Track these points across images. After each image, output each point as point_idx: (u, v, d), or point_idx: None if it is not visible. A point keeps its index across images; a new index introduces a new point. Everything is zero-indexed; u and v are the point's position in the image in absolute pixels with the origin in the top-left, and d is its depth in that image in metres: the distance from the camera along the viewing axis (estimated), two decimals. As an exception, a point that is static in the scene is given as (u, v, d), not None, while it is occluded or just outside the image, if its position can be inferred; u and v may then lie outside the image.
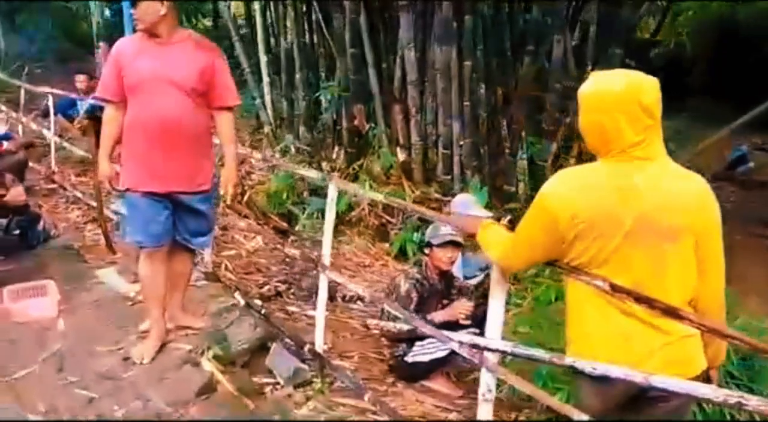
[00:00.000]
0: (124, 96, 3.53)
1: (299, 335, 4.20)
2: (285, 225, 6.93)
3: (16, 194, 4.51)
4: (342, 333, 4.81)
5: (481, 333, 2.87)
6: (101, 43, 11.54)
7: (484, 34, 6.91)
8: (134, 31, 3.67)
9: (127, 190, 3.58)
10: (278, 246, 6.32)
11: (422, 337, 4.00)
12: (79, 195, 6.84)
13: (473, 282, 4.61)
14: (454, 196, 7.13)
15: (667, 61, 15.58)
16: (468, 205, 4.89)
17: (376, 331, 4.48)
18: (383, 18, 7.71)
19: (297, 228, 6.92)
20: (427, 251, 4.28)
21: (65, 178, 7.46)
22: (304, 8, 8.36)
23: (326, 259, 3.81)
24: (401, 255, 6.68)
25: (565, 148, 7.22)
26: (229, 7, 10.49)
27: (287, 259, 6.21)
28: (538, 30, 7.02)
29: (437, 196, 7.10)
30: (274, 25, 9.10)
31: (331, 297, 5.55)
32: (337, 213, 7.01)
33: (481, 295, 4.33)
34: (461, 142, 7.01)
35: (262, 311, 4.43)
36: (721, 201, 2.25)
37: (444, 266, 4.25)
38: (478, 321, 4.21)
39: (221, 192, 3.79)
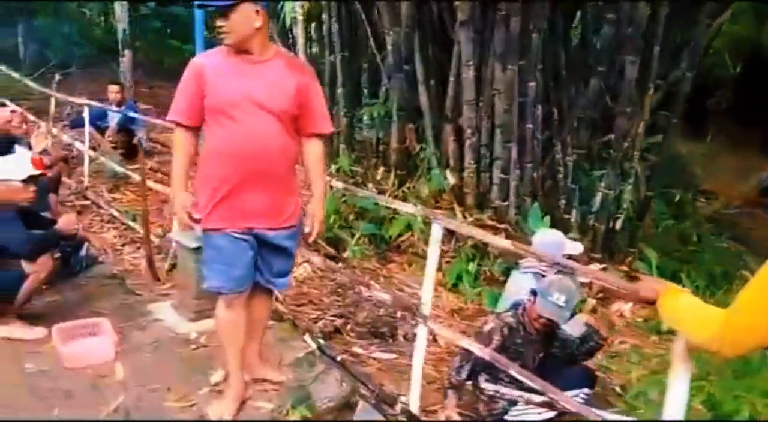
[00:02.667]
0: (200, 120, 3.03)
1: (386, 390, 3.68)
2: (333, 251, 6.42)
3: (68, 222, 4.00)
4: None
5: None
6: (126, 51, 11.09)
7: (550, 52, 6.47)
8: (208, 44, 3.17)
9: (206, 229, 3.06)
10: (329, 274, 5.83)
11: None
12: (115, 213, 6.32)
13: (577, 333, 4.11)
14: (509, 222, 6.71)
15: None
16: (560, 244, 4.38)
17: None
18: (436, 34, 7.25)
19: (346, 254, 6.41)
20: (530, 297, 3.77)
21: (98, 194, 6.94)
22: (350, 22, 7.88)
23: (426, 308, 3.31)
24: (455, 286, 6.19)
25: (624, 175, 6.78)
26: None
27: (339, 289, 5.73)
28: (604, 50, 6.55)
29: (491, 222, 6.61)
30: (315, 39, 8.62)
31: (392, 336, 5.10)
32: (387, 238, 6.64)
33: (585, 352, 3.84)
34: (519, 166, 6.53)
35: (338, 358, 3.92)
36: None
37: (538, 325, 3.76)
38: (574, 377, 3.75)
39: (306, 229, 3.28)
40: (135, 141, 8.06)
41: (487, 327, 3.75)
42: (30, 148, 5.64)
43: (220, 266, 3.03)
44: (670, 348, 4.53)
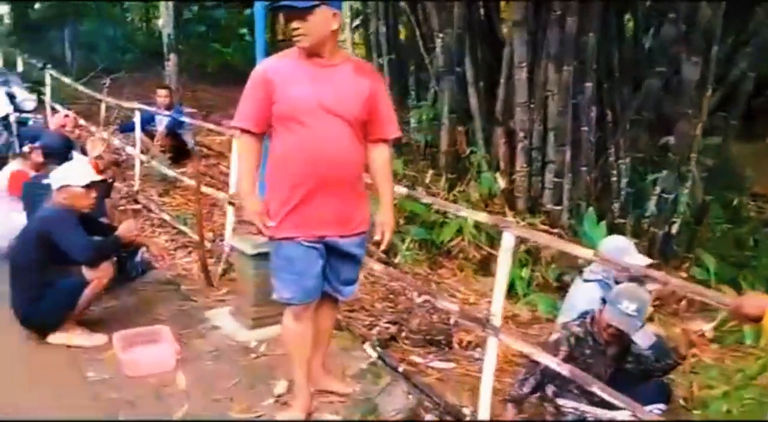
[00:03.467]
0: (266, 126, 2.94)
1: (450, 403, 3.56)
2: (384, 256, 6.31)
3: (128, 228, 3.95)
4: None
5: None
6: (171, 55, 11.13)
7: (604, 53, 6.28)
8: (270, 47, 3.07)
9: (275, 237, 2.97)
10: (380, 279, 5.72)
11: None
12: (167, 217, 6.29)
13: (646, 344, 3.93)
14: (562, 227, 6.54)
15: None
16: (624, 249, 4.21)
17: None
18: (485, 36, 7.11)
19: (397, 259, 6.30)
20: (600, 307, 3.61)
21: (149, 198, 6.93)
22: (397, 24, 7.78)
23: (497, 320, 3.18)
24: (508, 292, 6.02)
25: (681, 178, 6.55)
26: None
27: (390, 295, 5.62)
28: (661, 49, 6.35)
29: (544, 227, 6.43)
30: (361, 41, 8.54)
31: (448, 343, 4.97)
32: (438, 243, 6.51)
33: (661, 369, 3.67)
34: (573, 170, 6.36)
35: (400, 369, 3.81)
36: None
37: (607, 335, 3.59)
38: (648, 392, 3.58)
39: (376, 237, 3.17)
40: (189, 146, 8.06)
41: (553, 337, 3.61)
42: (83, 152, 5.64)
43: (292, 276, 2.94)
44: (749, 363, 4.37)
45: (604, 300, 3.59)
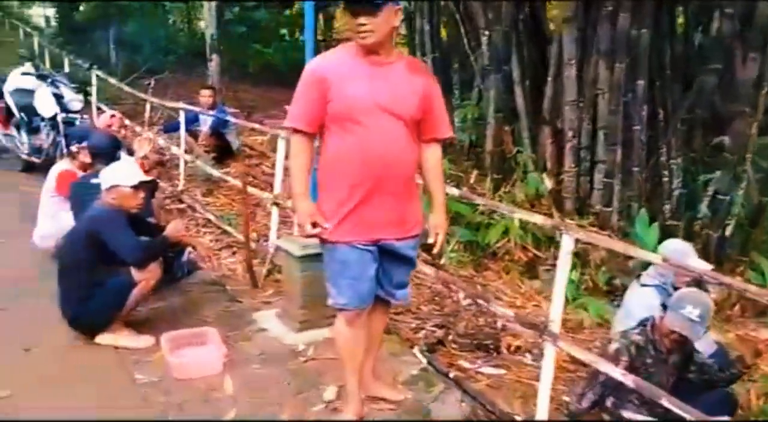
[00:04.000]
0: (320, 126, 2.85)
1: (505, 411, 3.43)
2: (429, 257, 6.19)
3: (176, 229, 3.91)
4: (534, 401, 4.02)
5: None
6: (214, 55, 11.16)
7: (655, 49, 6.07)
8: (320, 46, 2.96)
9: (329, 241, 2.87)
10: (425, 281, 5.61)
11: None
12: (211, 217, 6.26)
13: (708, 352, 3.75)
14: (612, 229, 6.34)
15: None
16: (685, 253, 4.03)
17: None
18: (531, 33, 6.95)
19: (442, 261, 6.17)
20: (660, 313, 3.44)
21: (193, 198, 6.92)
22: (441, 21, 7.64)
23: (555, 326, 3.04)
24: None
25: (736, 179, 6.31)
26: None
27: (436, 297, 5.50)
28: (716, 46, 6.11)
29: (593, 229, 6.24)
30: (404, 40, 8.42)
31: (496, 348, 4.83)
32: (483, 244, 6.37)
33: (725, 379, 3.49)
34: (623, 170, 6.16)
35: (450, 375, 3.69)
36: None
37: (669, 342, 3.41)
38: (712, 402, 3.40)
39: (429, 240, 3.06)
40: (232, 146, 8.04)
41: (612, 347, 3.44)
42: (129, 152, 5.62)
43: (347, 281, 2.84)
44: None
45: (664, 306, 3.42)
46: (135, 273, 3.69)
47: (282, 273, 4.19)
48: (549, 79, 6.51)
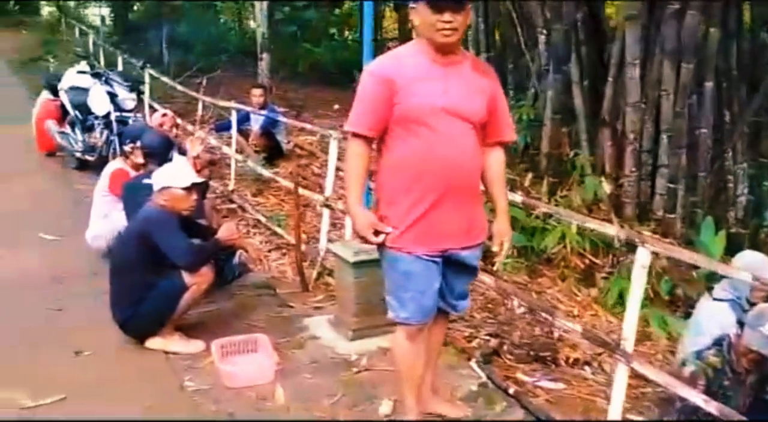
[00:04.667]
0: (382, 130, 2.68)
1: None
2: (481, 263, 5.98)
3: (229, 232, 3.80)
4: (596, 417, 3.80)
5: None
6: (264, 54, 11.13)
7: (722, 49, 5.77)
8: (379, 45, 2.80)
9: (390, 249, 2.70)
10: (477, 287, 5.40)
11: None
12: (261, 218, 6.17)
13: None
14: (675, 236, 6.05)
15: None
16: (761, 265, 3.76)
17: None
18: (589, 32, 6.68)
19: (495, 267, 5.96)
20: (737, 331, 3.20)
21: (243, 198, 6.85)
22: (495, 20, 7.43)
23: (629, 345, 2.83)
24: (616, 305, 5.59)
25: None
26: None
27: (489, 304, 5.30)
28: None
29: (655, 236, 5.96)
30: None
31: (554, 360, 4.61)
32: (538, 250, 6.14)
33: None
34: (688, 175, 5.87)
35: (510, 390, 3.50)
36: None
37: (747, 362, 3.17)
38: None
39: (494, 248, 2.89)
40: (283, 146, 7.96)
41: (688, 370, 3.20)
42: (181, 152, 5.56)
43: (411, 294, 2.69)
44: None
45: (740, 323, 3.18)
46: (187, 277, 3.59)
47: (334, 278, 4.06)
48: (610, 79, 6.24)
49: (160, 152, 4.64)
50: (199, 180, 3.84)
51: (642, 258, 2.78)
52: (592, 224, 3.40)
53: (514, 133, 2.95)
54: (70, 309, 4.27)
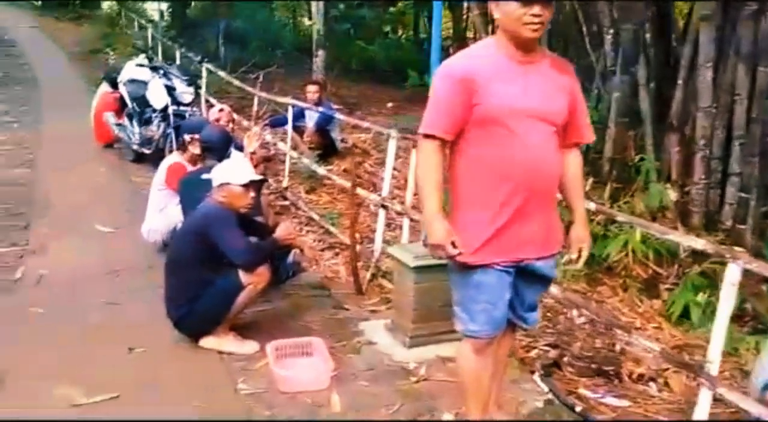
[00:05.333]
0: (458, 133, 2.50)
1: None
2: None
3: (287, 231, 3.69)
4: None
5: None
6: (320, 51, 11.04)
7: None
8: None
9: (468, 263, 2.53)
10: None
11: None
12: (315, 216, 6.06)
13: None
14: (746, 248, 5.73)
15: None
16: None
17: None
18: (656, 32, 6.39)
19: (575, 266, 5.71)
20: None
21: (296, 195, 6.75)
22: (556, 19, 7.17)
23: (714, 368, 2.61)
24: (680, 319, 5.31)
25: None
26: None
27: (548, 313, 5.09)
28: None
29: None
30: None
31: (617, 374, 4.38)
32: (599, 258, 5.89)
33: None
34: (762, 184, 5.54)
35: (577, 409, 3.30)
36: None
37: None
38: None
39: (572, 255, 2.70)
40: (337, 144, 7.84)
41: None
42: (237, 147, 5.48)
43: (482, 306, 2.52)
44: None
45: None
46: (243, 276, 3.48)
47: (392, 282, 3.90)
48: (679, 82, 5.95)
49: (219, 147, 4.55)
50: (258, 177, 3.73)
51: (732, 275, 2.56)
52: (677, 236, 3.17)
53: (593, 134, 2.76)
54: (126, 304, 4.22)
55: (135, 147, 7.47)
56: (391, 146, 5.05)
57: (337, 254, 5.50)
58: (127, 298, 4.29)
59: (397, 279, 3.82)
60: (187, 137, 4.99)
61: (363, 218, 6.30)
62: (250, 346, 3.62)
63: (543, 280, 2.70)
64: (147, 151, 7.33)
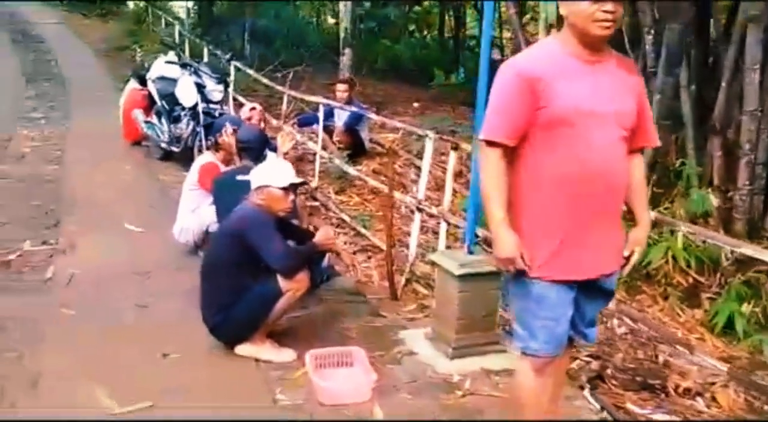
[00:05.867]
0: (521, 138, 2.34)
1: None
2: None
3: (327, 236, 3.54)
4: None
5: None
6: (347, 49, 10.90)
7: None
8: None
9: (530, 276, 2.37)
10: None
11: None
12: (346, 218, 5.92)
13: None
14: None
15: None
16: None
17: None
18: (698, 31, 6.18)
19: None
20: None
21: (326, 196, 6.61)
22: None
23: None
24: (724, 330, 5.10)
25: None
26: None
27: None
28: None
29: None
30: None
31: (663, 388, 4.19)
32: (639, 265, 5.68)
33: None
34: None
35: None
36: None
37: None
38: None
39: (624, 252, 2.53)
40: (366, 145, 7.69)
41: None
42: (271, 148, 5.34)
43: (543, 322, 2.36)
44: None
45: None
46: (282, 282, 3.33)
47: (434, 290, 3.74)
48: (723, 84, 5.74)
49: (256, 147, 4.39)
50: (299, 180, 3.59)
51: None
52: (747, 249, 2.98)
53: (657, 138, 2.60)
54: (156, 306, 4.10)
55: (163, 145, 7.35)
56: (428, 147, 4.89)
57: (369, 257, 5.35)
58: (158, 301, 4.17)
59: (438, 287, 3.66)
60: (228, 128, 4.81)
61: (394, 220, 6.15)
62: (287, 354, 3.48)
63: (605, 294, 2.54)
64: (176, 149, 7.21)
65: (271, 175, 3.45)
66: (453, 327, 3.48)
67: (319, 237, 3.52)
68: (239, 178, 4.16)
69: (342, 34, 10.99)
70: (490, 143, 2.35)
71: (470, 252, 3.51)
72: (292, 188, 3.51)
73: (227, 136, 4.77)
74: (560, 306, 2.36)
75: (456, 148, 4.62)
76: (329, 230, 3.67)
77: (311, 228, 4.45)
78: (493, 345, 3.56)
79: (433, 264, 4.07)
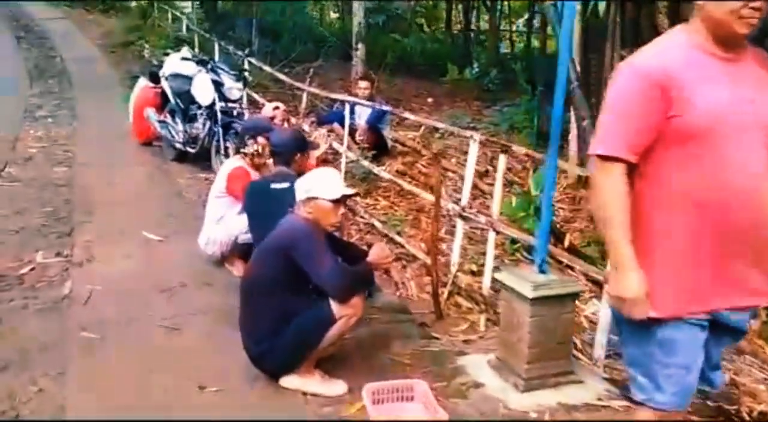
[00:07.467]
0: (643, 151, 1.94)
1: None
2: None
3: (381, 254, 3.09)
4: None
5: None
6: (360, 45, 10.45)
7: None
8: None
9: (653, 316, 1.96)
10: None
11: None
12: (377, 223, 5.48)
13: None
14: None
15: None
16: None
17: None
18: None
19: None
20: None
21: (352, 199, 6.16)
22: (636, 19, 6.54)
23: None
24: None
25: None
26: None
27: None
28: None
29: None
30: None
31: (737, 412, 3.79)
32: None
33: None
34: None
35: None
36: None
37: None
38: None
39: None
40: (389, 144, 7.23)
41: None
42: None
43: (672, 370, 1.96)
44: None
45: None
46: (335, 307, 2.91)
47: (501, 313, 3.30)
48: None
49: (291, 151, 3.93)
50: (351, 191, 3.16)
51: None
52: None
53: None
54: (187, 328, 3.68)
55: (178, 145, 6.88)
56: (473, 150, 4.46)
57: (404, 266, 4.91)
58: (189, 321, 3.75)
59: (505, 310, 3.22)
60: (260, 141, 4.38)
61: (425, 225, 5.73)
62: (338, 387, 3.05)
63: (736, 334, 2.13)
64: (191, 150, 6.75)
65: (320, 185, 3.02)
66: (524, 356, 3.06)
67: (373, 256, 3.08)
68: (274, 186, 3.74)
69: (355, 29, 10.51)
70: (608, 158, 1.93)
71: (542, 272, 3.09)
72: (343, 200, 3.08)
73: (260, 146, 4.33)
74: (692, 351, 1.96)
75: (506, 151, 4.20)
76: (384, 248, 3.22)
77: (365, 246, 4.01)
78: (567, 375, 3.15)
79: (494, 281, 3.66)
